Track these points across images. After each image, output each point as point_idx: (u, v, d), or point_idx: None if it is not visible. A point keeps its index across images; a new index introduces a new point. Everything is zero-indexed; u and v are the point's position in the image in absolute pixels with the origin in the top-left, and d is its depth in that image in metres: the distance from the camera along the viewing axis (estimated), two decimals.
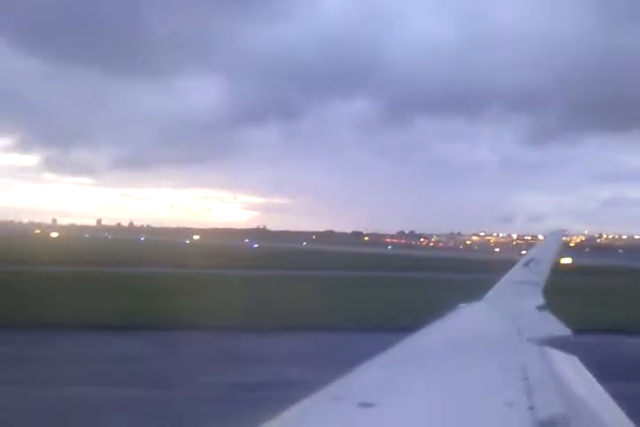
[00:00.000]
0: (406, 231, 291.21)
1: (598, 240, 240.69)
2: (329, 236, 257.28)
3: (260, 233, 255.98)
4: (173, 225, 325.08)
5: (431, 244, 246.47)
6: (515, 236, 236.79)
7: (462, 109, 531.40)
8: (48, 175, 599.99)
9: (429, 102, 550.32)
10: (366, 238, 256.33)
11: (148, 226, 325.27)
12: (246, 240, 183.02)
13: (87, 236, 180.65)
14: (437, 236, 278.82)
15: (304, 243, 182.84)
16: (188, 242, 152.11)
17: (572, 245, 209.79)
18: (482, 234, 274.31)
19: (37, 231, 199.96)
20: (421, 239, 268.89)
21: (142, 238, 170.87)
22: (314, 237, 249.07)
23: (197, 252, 79.72)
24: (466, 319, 3.87)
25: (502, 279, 4.95)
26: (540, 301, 4.31)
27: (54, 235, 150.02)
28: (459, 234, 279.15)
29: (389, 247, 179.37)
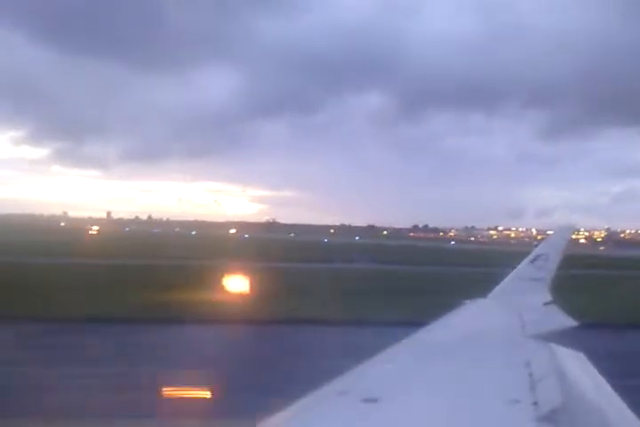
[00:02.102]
0: (420, 225, 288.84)
1: (622, 235, 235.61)
2: (347, 229, 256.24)
3: (273, 226, 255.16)
4: (182, 218, 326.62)
5: (472, 238, 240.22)
6: (534, 230, 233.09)
7: (478, 103, 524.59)
8: (57, 168, 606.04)
9: (444, 96, 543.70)
10: (385, 233, 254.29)
11: (167, 219, 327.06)
12: (292, 234, 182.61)
13: (128, 229, 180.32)
14: (456, 230, 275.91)
15: (357, 237, 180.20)
16: (247, 236, 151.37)
17: (598, 240, 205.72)
18: (500, 228, 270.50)
19: (62, 224, 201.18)
20: (441, 233, 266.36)
21: (193, 233, 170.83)
22: (332, 230, 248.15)
23: (313, 247, 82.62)
24: (471, 316, 3.85)
25: (509, 276, 4.91)
26: (547, 297, 4.27)
27: (95, 228, 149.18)
28: (472, 228, 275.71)
29: (452, 242, 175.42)
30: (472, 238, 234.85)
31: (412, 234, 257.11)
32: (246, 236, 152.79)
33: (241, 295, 25.67)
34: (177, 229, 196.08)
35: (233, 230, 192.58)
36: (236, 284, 26.95)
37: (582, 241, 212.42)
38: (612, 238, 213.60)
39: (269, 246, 77.78)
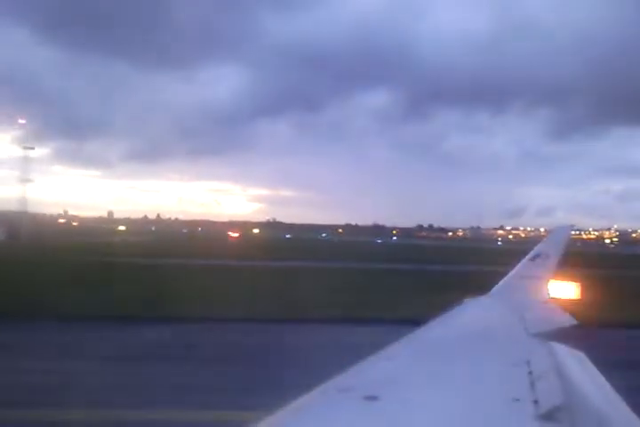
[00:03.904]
0: (424, 225, 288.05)
1: (633, 235, 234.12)
2: (354, 229, 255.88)
3: (276, 226, 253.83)
4: (181, 217, 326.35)
5: (501, 238, 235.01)
6: (542, 229, 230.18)
7: (485, 102, 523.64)
8: (58, 167, 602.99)
9: (449, 95, 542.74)
10: (394, 232, 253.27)
11: (176, 218, 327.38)
12: (324, 235, 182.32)
13: (153, 229, 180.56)
14: (463, 230, 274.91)
15: (394, 238, 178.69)
16: (289, 236, 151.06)
17: (615, 240, 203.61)
18: (508, 228, 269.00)
19: (75, 224, 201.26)
20: (449, 233, 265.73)
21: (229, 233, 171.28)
22: (340, 230, 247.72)
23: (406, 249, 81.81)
24: (471, 314, 3.85)
25: (509, 274, 4.92)
26: (547, 295, 4.29)
27: (122, 228, 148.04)
28: (478, 228, 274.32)
29: (499, 243, 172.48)
30: (499, 238, 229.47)
31: (424, 234, 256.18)
32: (288, 237, 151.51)
33: (571, 301, 24.49)
34: (200, 229, 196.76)
35: (256, 230, 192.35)
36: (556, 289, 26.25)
37: (607, 241, 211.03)
38: (624, 239, 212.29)
39: (401, 249, 77.79)
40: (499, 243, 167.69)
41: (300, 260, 46.94)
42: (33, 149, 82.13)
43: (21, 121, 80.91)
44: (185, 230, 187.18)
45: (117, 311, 18.25)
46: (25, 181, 78.67)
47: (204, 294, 21.73)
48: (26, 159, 78.96)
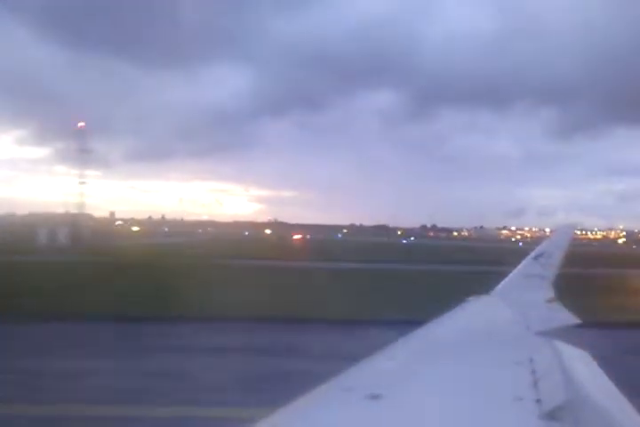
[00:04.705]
0: (427, 225, 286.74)
1: None
2: (358, 229, 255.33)
3: (280, 226, 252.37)
4: (185, 217, 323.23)
5: (514, 238, 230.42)
6: (548, 230, 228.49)
7: (487, 102, 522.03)
8: (60, 167, 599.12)
9: (452, 95, 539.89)
10: (400, 232, 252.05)
11: (182, 219, 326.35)
12: (339, 235, 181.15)
13: (166, 230, 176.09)
14: (467, 229, 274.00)
15: (412, 238, 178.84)
16: (308, 237, 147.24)
17: (624, 240, 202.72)
18: (512, 228, 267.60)
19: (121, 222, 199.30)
20: (455, 233, 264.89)
21: (246, 233, 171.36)
22: (345, 230, 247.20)
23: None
24: (475, 313, 3.82)
25: (512, 273, 4.89)
26: (550, 294, 4.27)
27: (135, 229, 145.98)
28: (482, 228, 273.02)
29: (520, 245, 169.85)
30: (515, 238, 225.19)
31: (431, 233, 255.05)
32: (308, 237, 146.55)
33: None
34: (209, 229, 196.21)
35: (268, 231, 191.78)
36: None
37: (620, 241, 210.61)
38: (631, 238, 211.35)
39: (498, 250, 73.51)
40: (520, 244, 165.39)
41: (398, 262, 44.88)
42: (91, 152, 79.37)
43: (81, 124, 78.48)
44: (200, 230, 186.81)
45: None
46: (82, 183, 77.37)
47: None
48: (84, 162, 76.75)
